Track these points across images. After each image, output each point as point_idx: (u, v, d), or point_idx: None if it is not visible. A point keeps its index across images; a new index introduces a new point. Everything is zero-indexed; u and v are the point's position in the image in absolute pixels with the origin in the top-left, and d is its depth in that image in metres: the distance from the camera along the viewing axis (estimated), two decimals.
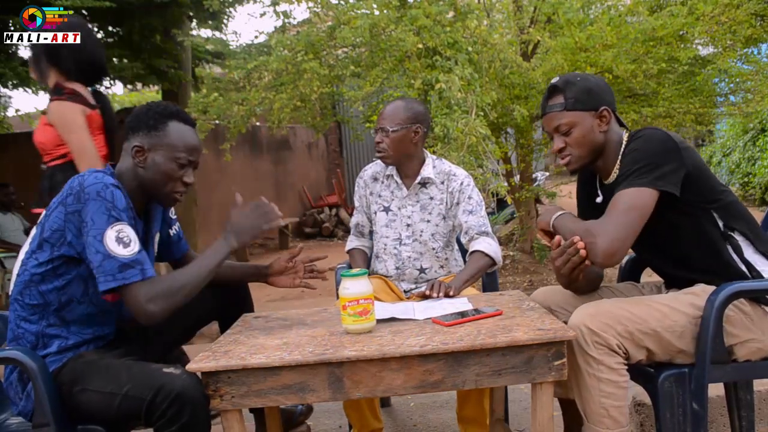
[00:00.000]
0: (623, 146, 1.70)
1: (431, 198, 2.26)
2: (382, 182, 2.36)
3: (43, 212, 1.61)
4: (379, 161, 2.36)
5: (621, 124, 1.74)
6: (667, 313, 1.56)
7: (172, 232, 1.93)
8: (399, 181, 2.30)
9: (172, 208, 1.91)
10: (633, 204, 1.53)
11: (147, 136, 1.64)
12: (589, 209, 1.87)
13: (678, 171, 1.56)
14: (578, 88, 1.67)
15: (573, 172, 1.79)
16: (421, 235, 2.26)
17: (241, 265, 2.05)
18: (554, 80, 1.72)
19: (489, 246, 2.18)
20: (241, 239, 1.71)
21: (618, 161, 1.70)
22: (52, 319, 1.60)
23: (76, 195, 1.52)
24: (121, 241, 1.50)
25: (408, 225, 2.27)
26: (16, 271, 1.62)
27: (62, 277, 1.58)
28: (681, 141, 1.60)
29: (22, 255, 1.61)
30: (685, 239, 1.65)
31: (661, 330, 1.54)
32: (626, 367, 1.54)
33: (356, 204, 2.44)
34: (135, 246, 1.53)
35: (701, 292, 1.60)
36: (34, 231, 1.61)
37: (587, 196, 1.87)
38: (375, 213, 2.34)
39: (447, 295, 1.93)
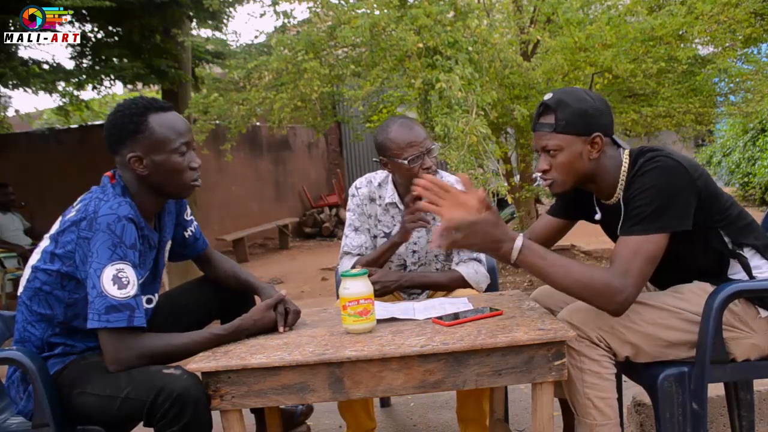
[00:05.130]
0: (625, 168, 1.61)
1: (434, 218, 2.14)
2: (380, 206, 2.21)
3: (57, 224, 1.61)
4: (371, 180, 2.24)
5: (617, 145, 1.66)
6: (650, 305, 1.56)
7: (187, 234, 1.90)
8: (402, 207, 2.16)
9: (189, 210, 1.90)
10: (650, 255, 1.47)
11: (135, 141, 1.59)
12: (570, 207, 1.84)
13: (691, 204, 1.51)
14: (571, 110, 1.55)
15: (555, 194, 1.72)
16: (426, 257, 2.20)
17: (241, 281, 1.95)
18: (547, 97, 1.59)
19: (474, 274, 2.10)
20: (247, 335, 1.64)
21: (620, 184, 1.61)
22: (57, 329, 1.60)
23: (89, 221, 1.51)
24: (118, 281, 1.48)
25: (414, 251, 2.20)
26: (26, 275, 1.61)
27: (70, 294, 1.57)
28: (692, 167, 1.53)
29: (33, 260, 1.61)
30: (690, 258, 1.61)
31: (643, 324, 1.54)
32: (612, 361, 1.54)
33: (356, 224, 2.20)
34: (131, 289, 1.49)
35: (687, 290, 1.60)
36: (46, 242, 1.60)
37: (583, 213, 1.81)
38: (374, 237, 2.22)
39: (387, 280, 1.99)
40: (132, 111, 1.60)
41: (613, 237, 1.70)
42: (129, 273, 1.50)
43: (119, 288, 1.48)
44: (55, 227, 1.60)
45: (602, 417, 1.51)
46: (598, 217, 1.74)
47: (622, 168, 1.61)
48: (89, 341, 1.62)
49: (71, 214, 1.57)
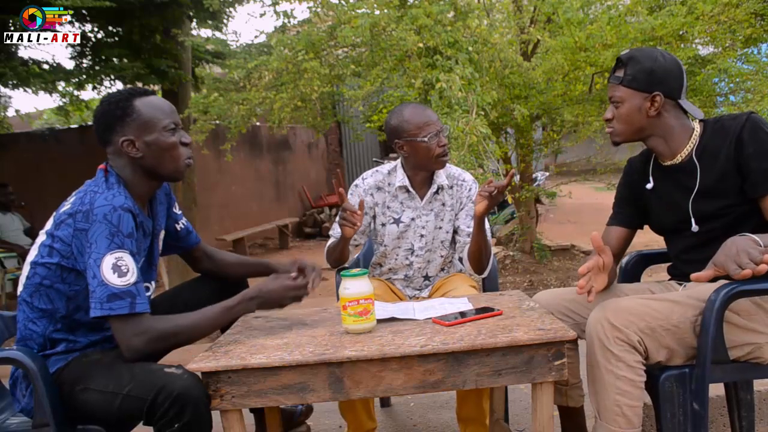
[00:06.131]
0: (698, 131, 1.69)
1: (443, 204, 2.23)
2: (389, 192, 2.24)
3: (51, 220, 1.61)
4: (379, 169, 2.29)
5: (686, 112, 1.71)
6: (689, 307, 1.55)
7: (179, 227, 1.94)
8: (413, 191, 2.21)
9: (176, 205, 1.93)
10: None
11: (125, 126, 1.62)
12: (631, 198, 1.86)
13: None
14: (639, 67, 1.66)
15: (615, 143, 1.80)
16: (433, 243, 2.23)
17: (250, 263, 2.06)
18: (623, 53, 1.72)
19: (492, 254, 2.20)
20: (264, 308, 1.68)
21: (692, 143, 1.68)
22: (59, 325, 1.61)
23: (85, 213, 1.52)
24: (117, 269, 1.49)
25: (422, 236, 2.22)
26: (25, 272, 1.62)
27: (70, 286, 1.58)
28: None
29: (31, 257, 1.61)
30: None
31: (683, 326, 1.53)
32: (644, 368, 1.52)
33: None
34: (131, 277, 1.51)
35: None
36: (43, 237, 1.60)
37: (635, 183, 1.85)
38: (383, 225, 2.24)
39: (498, 191, 1.93)
40: (117, 98, 1.64)
41: (673, 195, 1.73)
42: (128, 261, 1.51)
43: (119, 276, 1.49)
44: (50, 223, 1.61)
45: (628, 425, 1.50)
46: (650, 186, 1.79)
47: (694, 131, 1.69)
48: (92, 335, 1.63)
49: (65, 207, 1.58)
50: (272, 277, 1.73)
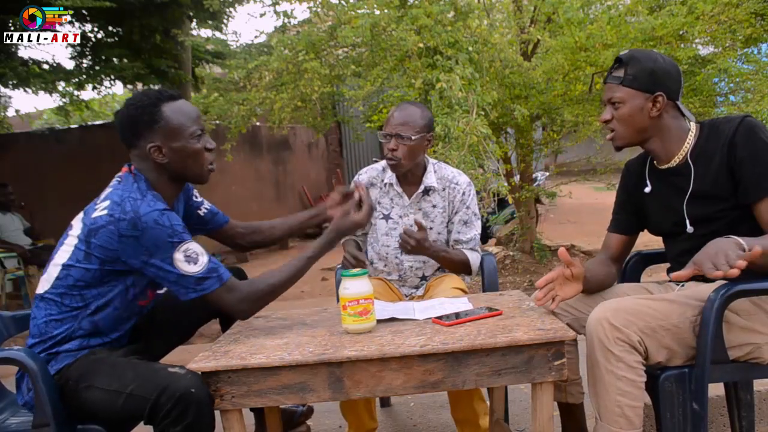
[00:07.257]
0: (694, 133, 1.68)
1: (434, 206, 2.23)
2: (381, 189, 2.28)
3: (79, 224, 1.62)
4: (374, 165, 2.31)
5: (683, 114, 1.71)
6: (688, 307, 1.55)
7: (201, 212, 1.97)
8: (399, 189, 2.24)
9: (196, 192, 1.96)
10: None
11: (152, 131, 1.63)
12: (629, 202, 1.86)
13: None
14: (640, 67, 1.65)
15: (617, 148, 1.79)
16: None
17: (296, 219, 2.16)
18: (623, 53, 1.71)
19: (476, 259, 2.24)
20: (343, 238, 1.79)
21: (687, 145, 1.68)
22: (84, 323, 1.62)
23: (130, 222, 1.53)
24: (189, 258, 1.56)
25: None
26: (54, 273, 1.62)
27: (108, 284, 1.61)
28: None
29: (62, 259, 1.61)
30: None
31: (682, 326, 1.53)
32: (644, 368, 1.51)
33: None
34: (203, 258, 1.58)
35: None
36: (74, 240, 1.60)
37: (633, 187, 1.85)
38: (374, 220, 2.28)
39: (419, 244, 2.05)
40: (145, 103, 1.64)
41: (669, 198, 1.73)
42: (194, 247, 1.58)
43: (194, 264, 1.56)
44: (78, 227, 1.61)
45: (629, 425, 1.50)
46: (648, 189, 1.79)
47: (690, 133, 1.69)
48: (108, 336, 1.66)
49: (99, 213, 1.57)
50: (340, 216, 1.86)
